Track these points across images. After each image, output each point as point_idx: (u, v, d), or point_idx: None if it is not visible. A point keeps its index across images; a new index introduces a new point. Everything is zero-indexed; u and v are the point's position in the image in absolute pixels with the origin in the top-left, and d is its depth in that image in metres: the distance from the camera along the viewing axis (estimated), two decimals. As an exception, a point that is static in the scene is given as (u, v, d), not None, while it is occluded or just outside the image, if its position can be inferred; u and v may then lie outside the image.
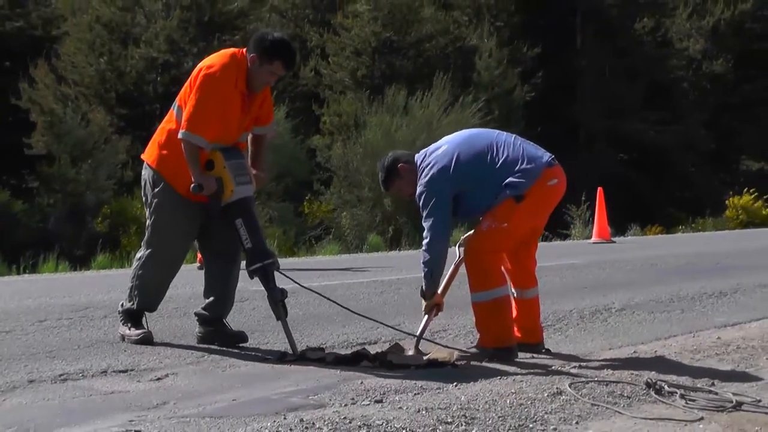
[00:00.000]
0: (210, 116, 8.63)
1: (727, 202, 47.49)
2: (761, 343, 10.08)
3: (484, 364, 8.47)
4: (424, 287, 8.87)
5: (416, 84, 38.52)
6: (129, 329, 9.30)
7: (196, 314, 9.51)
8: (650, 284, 15.19)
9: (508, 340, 8.71)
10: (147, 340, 9.19)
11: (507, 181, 8.54)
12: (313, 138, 39.84)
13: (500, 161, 8.64)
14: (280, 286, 8.88)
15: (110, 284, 15.94)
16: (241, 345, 9.25)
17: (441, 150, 8.76)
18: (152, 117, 36.87)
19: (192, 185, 8.59)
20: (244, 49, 8.94)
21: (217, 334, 9.36)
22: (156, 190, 9.07)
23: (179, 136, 8.68)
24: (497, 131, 9.20)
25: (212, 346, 9.13)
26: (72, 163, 34.40)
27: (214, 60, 8.96)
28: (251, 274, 8.84)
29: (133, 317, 9.35)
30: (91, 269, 22.28)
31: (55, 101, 37.53)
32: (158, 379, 7.81)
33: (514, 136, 9.00)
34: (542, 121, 44.43)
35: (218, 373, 8.08)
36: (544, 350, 9.08)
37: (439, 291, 8.98)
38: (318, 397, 7.09)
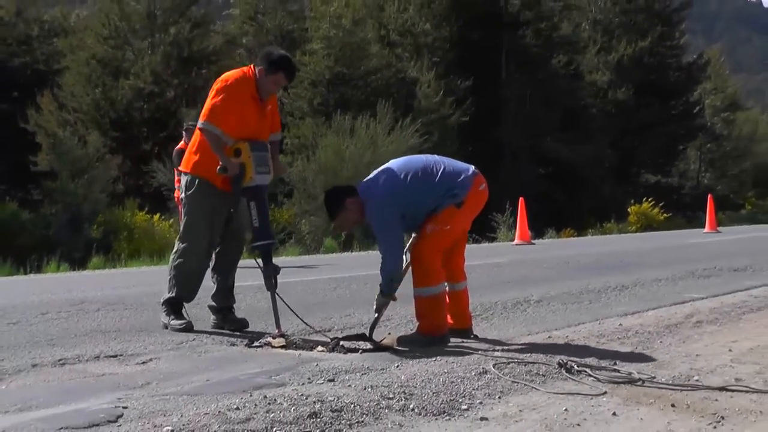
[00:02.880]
0: (226, 110, 8.97)
1: (629, 209, 47.82)
2: (656, 329, 10.13)
3: (422, 348, 8.49)
4: (383, 291, 8.84)
5: (365, 110, 38.58)
6: (172, 320, 9.40)
7: (208, 306, 9.71)
8: (564, 279, 15.24)
9: (443, 329, 8.76)
10: (188, 328, 9.30)
11: (446, 192, 8.60)
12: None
13: (438, 176, 8.68)
14: (274, 263, 9.18)
15: (103, 282, 15.98)
16: (216, 332, 9.29)
17: (382, 180, 8.73)
18: (140, 139, 36.80)
19: (218, 167, 8.90)
20: (253, 65, 9.27)
21: (226, 320, 9.59)
22: (189, 192, 9.37)
23: (198, 125, 9.13)
24: (425, 155, 9.23)
25: (189, 335, 9.12)
26: (71, 178, 34.37)
27: (228, 74, 9.29)
28: (253, 249, 9.24)
29: (174, 308, 9.45)
30: (87, 269, 22.21)
31: (57, 125, 37.66)
32: (143, 362, 7.81)
33: (439, 156, 9.08)
34: (473, 142, 44.63)
35: (195, 357, 8.07)
36: (472, 336, 9.09)
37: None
38: (279, 377, 7.09)
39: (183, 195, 9.54)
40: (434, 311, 8.74)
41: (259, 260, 9.31)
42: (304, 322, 9.23)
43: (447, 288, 9.08)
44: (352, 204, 8.73)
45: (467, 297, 9.29)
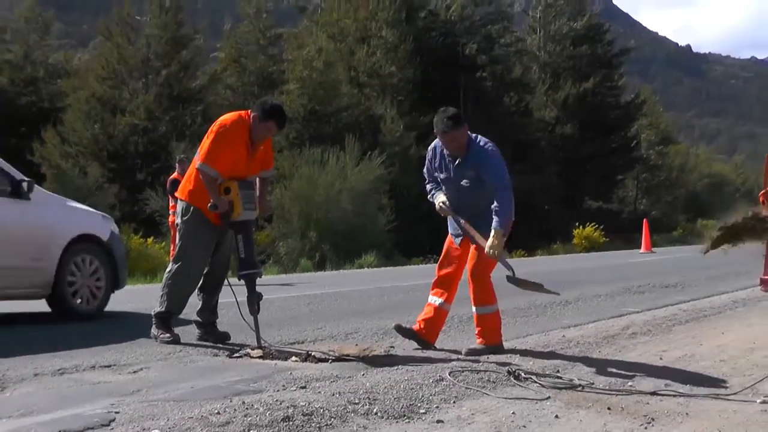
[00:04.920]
0: (220, 154, 9.02)
1: (574, 232, 47.91)
2: (595, 339, 10.18)
3: (384, 357, 8.50)
4: (502, 224, 8.55)
5: (336, 143, 38.68)
6: (160, 333, 9.38)
7: (194, 321, 9.69)
8: (513, 295, 15.16)
9: (501, 339, 9.06)
10: (175, 341, 9.29)
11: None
12: (258, 186, 39.80)
13: None
14: (258, 291, 9.19)
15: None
16: (201, 344, 9.29)
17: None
18: (135, 169, 36.76)
19: (209, 204, 8.99)
20: (250, 111, 9.32)
21: (210, 333, 9.57)
22: (184, 218, 9.37)
23: (197, 166, 9.15)
24: None
25: (177, 346, 9.10)
26: (73, 205, 34.27)
27: (226, 117, 9.34)
28: (240, 278, 9.17)
29: (164, 322, 9.43)
30: (86, 287, 22.08)
31: (60, 158, 37.72)
32: (134, 372, 7.79)
33: None
34: (433, 172, 44.53)
35: (181, 367, 8.06)
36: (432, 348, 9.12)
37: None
38: (257, 384, 7.10)
39: (179, 220, 9.54)
40: (497, 324, 9.04)
41: (233, 281, 9.38)
42: (260, 344, 9.13)
43: (438, 304, 9.11)
44: (466, 130, 8.78)
45: (445, 319, 9.36)
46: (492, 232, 8.48)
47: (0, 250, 11.00)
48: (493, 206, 8.49)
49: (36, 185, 11.63)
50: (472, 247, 8.84)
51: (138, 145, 40.85)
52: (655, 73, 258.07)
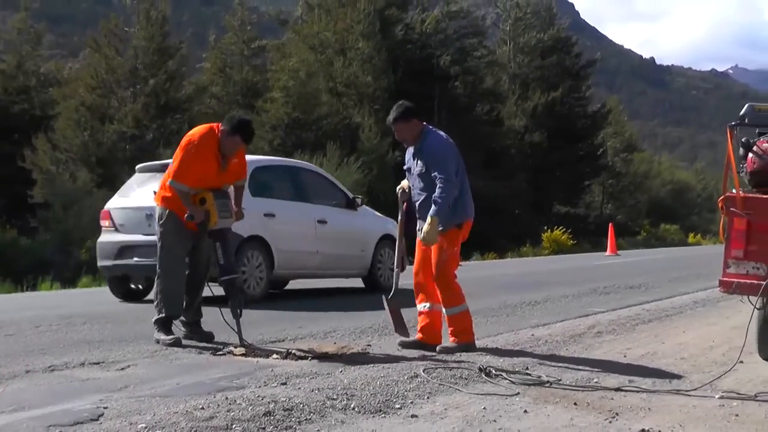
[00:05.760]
0: (190, 168, 9.05)
1: (543, 235, 47.93)
2: (563, 338, 10.22)
3: (361, 355, 8.51)
4: (440, 212, 8.56)
5: (317, 150, 38.81)
6: (163, 336, 9.32)
7: (179, 320, 9.64)
8: (485, 296, 15.28)
9: (473, 337, 9.03)
10: (177, 343, 9.24)
11: (468, 202, 8.92)
12: (243, 190, 39.95)
13: (466, 185, 9.00)
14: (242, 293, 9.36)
15: (90, 299, 15.91)
16: (185, 344, 9.24)
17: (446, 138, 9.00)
18: (122, 175, 36.55)
19: (186, 215, 9.06)
20: (220, 123, 9.30)
21: (195, 332, 9.57)
22: (161, 222, 9.40)
23: (168, 183, 9.22)
24: None
25: (164, 345, 9.10)
26: (63, 209, 34.25)
27: (195, 131, 9.37)
28: (221, 283, 9.24)
29: (164, 326, 9.39)
30: (76, 287, 22.05)
31: (50, 163, 37.51)
32: (122, 369, 7.82)
33: None
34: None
35: (167, 364, 8.09)
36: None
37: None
38: (239, 381, 7.12)
39: (156, 226, 9.53)
40: (468, 323, 8.95)
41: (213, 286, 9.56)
42: (240, 338, 9.09)
43: (427, 308, 9.09)
44: (417, 123, 8.89)
45: (441, 317, 9.23)
46: (428, 219, 8.55)
47: (345, 244, 16.22)
48: (433, 195, 8.57)
49: (358, 200, 16.86)
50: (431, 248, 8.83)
51: (126, 151, 40.73)
52: (621, 84, 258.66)
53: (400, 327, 9.18)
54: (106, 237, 14.62)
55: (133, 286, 14.90)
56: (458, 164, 8.87)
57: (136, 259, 13.86)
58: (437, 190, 8.54)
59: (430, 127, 9.13)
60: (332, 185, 16.91)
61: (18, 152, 37.79)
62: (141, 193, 14.19)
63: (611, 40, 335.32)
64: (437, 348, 8.82)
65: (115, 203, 14.87)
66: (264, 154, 42.46)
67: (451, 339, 8.89)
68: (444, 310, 8.87)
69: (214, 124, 9.41)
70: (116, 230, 14.46)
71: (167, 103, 43.31)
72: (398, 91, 48.20)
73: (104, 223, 14.73)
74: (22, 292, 20.50)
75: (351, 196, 16.85)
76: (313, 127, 44.27)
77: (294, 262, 15.29)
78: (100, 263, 14.85)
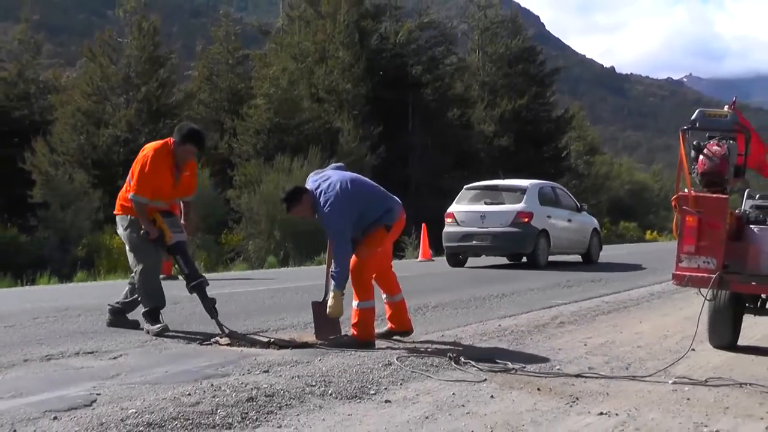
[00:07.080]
0: (147, 182, 9.11)
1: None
2: (527, 328, 10.25)
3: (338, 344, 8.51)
4: (339, 284, 8.42)
5: (299, 153, 38.91)
6: (151, 326, 9.35)
7: (109, 305, 9.90)
8: (456, 289, 15.30)
9: (372, 336, 8.73)
10: (165, 330, 9.28)
11: (386, 211, 8.59)
12: (228, 191, 40.01)
13: (381, 195, 8.73)
14: (211, 296, 9.28)
15: (85, 292, 15.84)
16: (174, 335, 9.22)
17: (333, 180, 8.58)
18: (116, 177, 36.55)
19: (141, 231, 9.16)
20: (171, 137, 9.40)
21: (121, 321, 9.80)
22: (125, 224, 9.48)
23: (129, 197, 9.27)
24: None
25: (158, 336, 9.11)
26: (60, 208, 34.25)
27: (150, 145, 9.46)
28: (190, 290, 9.29)
29: (151, 315, 9.42)
30: (73, 282, 21.97)
31: (49, 165, 37.48)
32: (114, 358, 7.81)
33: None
34: (384, 179, 44.02)
35: (156, 354, 8.08)
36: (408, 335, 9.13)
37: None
38: (224, 369, 7.14)
39: (122, 232, 9.64)
40: (369, 321, 8.67)
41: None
42: (222, 331, 9.05)
43: (386, 298, 9.06)
44: (307, 195, 8.58)
45: (405, 305, 9.19)
46: (330, 293, 8.47)
47: (578, 233, 23.93)
48: (331, 270, 8.53)
49: (583, 206, 24.89)
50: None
51: (119, 154, 40.81)
52: (583, 91, 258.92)
53: (322, 329, 8.89)
54: (451, 228, 22.21)
55: (461, 257, 22.85)
56: (358, 201, 8.55)
57: (474, 242, 21.78)
58: (334, 260, 8.47)
59: (318, 190, 8.63)
60: (569, 197, 24.82)
61: (18, 155, 37.73)
62: (472, 202, 22.59)
63: (574, 50, 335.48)
64: (330, 337, 8.70)
65: (456, 208, 22.53)
66: (248, 157, 42.64)
67: (352, 331, 8.69)
68: (353, 302, 8.69)
69: (168, 139, 9.49)
70: (458, 224, 22.03)
71: (158, 109, 43.44)
72: (375, 98, 48.32)
73: (448, 219, 22.31)
74: (22, 287, 20.42)
75: (579, 204, 24.58)
76: (295, 131, 44.31)
77: (559, 244, 22.74)
78: (445, 244, 22.39)
